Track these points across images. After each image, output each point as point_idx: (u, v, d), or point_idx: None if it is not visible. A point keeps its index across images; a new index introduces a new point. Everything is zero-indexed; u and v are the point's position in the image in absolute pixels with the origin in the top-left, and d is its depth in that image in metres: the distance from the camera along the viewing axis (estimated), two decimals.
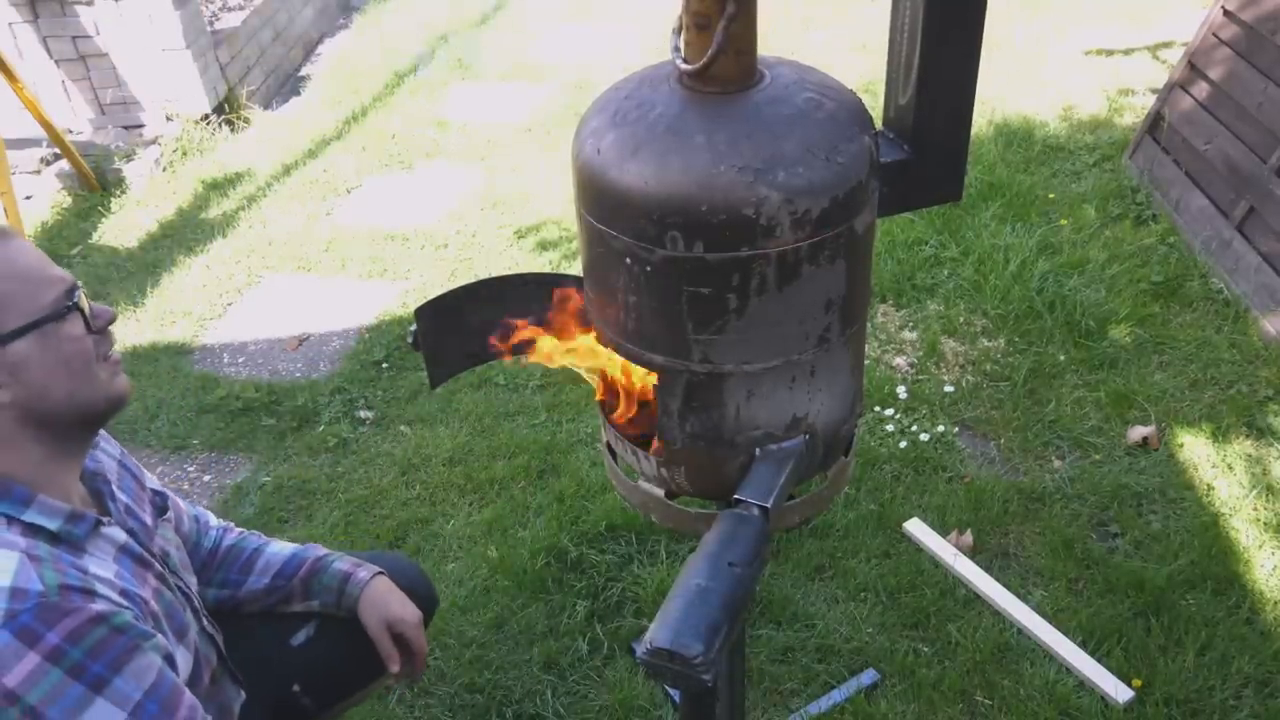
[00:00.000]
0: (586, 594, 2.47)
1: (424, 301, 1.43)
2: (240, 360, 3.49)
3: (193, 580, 1.59)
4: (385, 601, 1.69)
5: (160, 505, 1.57)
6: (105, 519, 1.36)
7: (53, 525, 1.27)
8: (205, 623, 1.51)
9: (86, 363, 1.30)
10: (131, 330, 3.64)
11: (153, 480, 1.62)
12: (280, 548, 1.76)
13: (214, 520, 1.77)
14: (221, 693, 1.55)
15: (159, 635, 1.28)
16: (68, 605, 1.20)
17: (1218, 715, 2.15)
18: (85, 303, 1.32)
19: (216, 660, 1.54)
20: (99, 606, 1.22)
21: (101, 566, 1.30)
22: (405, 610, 1.69)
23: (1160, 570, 2.43)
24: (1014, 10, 5.64)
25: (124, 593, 1.30)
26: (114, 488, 1.46)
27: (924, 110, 1.25)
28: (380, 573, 1.73)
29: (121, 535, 1.38)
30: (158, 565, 1.42)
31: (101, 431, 1.54)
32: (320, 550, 1.76)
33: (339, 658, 1.74)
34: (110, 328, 1.36)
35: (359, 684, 1.83)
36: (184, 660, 1.38)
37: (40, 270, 1.28)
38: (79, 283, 1.34)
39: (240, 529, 1.78)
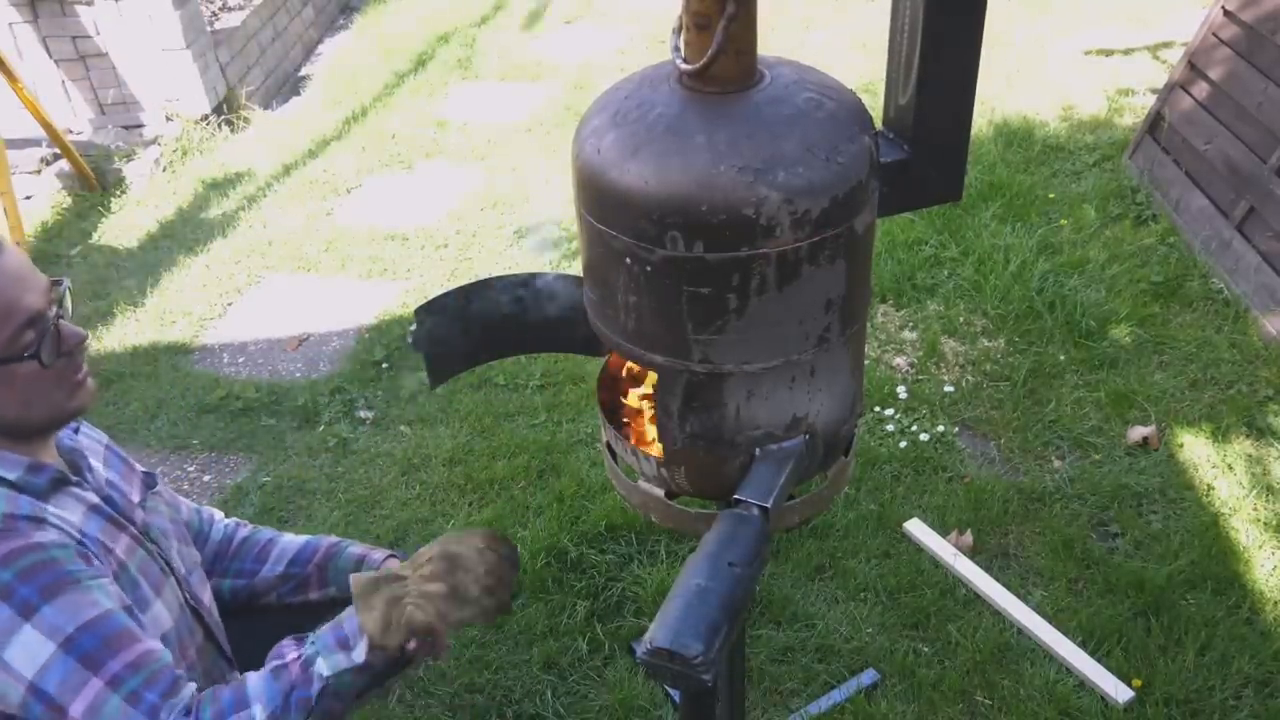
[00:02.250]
0: (586, 594, 2.47)
1: (424, 301, 1.43)
2: (240, 360, 3.49)
3: (191, 554, 1.61)
4: None
5: (150, 482, 1.60)
6: (76, 480, 1.40)
7: (11, 475, 1.31)
8: (189, 598, 1.52)
9: (40, 391, 1.33)
10: (131, 330, 3.64)
11: (141, 467, 1.65)
12: (293, 538, 1.79)
13: (220, 515, 1.79)
14: (214, 669, 1.57)
15: (108, 579, 1.31)
16: (8, 529, 1.24)
17: (1218, 715, 2.15)
18: (57, 327, 1.32)
19: (204, 639, 1.55)
20: (42, 536, 1.26)
21: (65, 511, 1.34)
22: None
23: (1160, 570, 2.43)
24: (1014, 10, 5.64)
25: (82, 533, 1.33)
26: (94, 462, 1.49)
27: (924, 110, 1.25)
28: (393, 554, 1.76)
29: (93, 498, 1.40)
30: (134, 529, 1.44)
31: (85, 424, 1.58)
32: (333, 538, 1.79)
33: None
34: (81, 346, 1.38)
35: (378, 679, 1.84)
36: (160, 614, 1.41)
37: (6, 304, 1.27)
38: (59, 301, 1.34)
39: (252, 524, 1.81)
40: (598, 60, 5.60)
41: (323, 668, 1.31)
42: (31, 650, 1.21)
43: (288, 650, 1.34)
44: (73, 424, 1.52)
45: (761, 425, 1.27)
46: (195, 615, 1.53)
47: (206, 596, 1.60)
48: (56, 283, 1.36)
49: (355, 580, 1.36)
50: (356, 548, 1.76)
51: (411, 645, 1.70)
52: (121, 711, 1.22)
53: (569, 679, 2.30)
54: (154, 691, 1.25)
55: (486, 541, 1.42)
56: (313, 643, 1.34)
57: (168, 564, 1.49)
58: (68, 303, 1.38)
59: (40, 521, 1.28)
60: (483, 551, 1.40)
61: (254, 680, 1.31)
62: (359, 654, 1.32)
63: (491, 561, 1.40)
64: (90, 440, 1.56)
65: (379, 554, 1.75)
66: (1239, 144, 3.50)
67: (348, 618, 1.34)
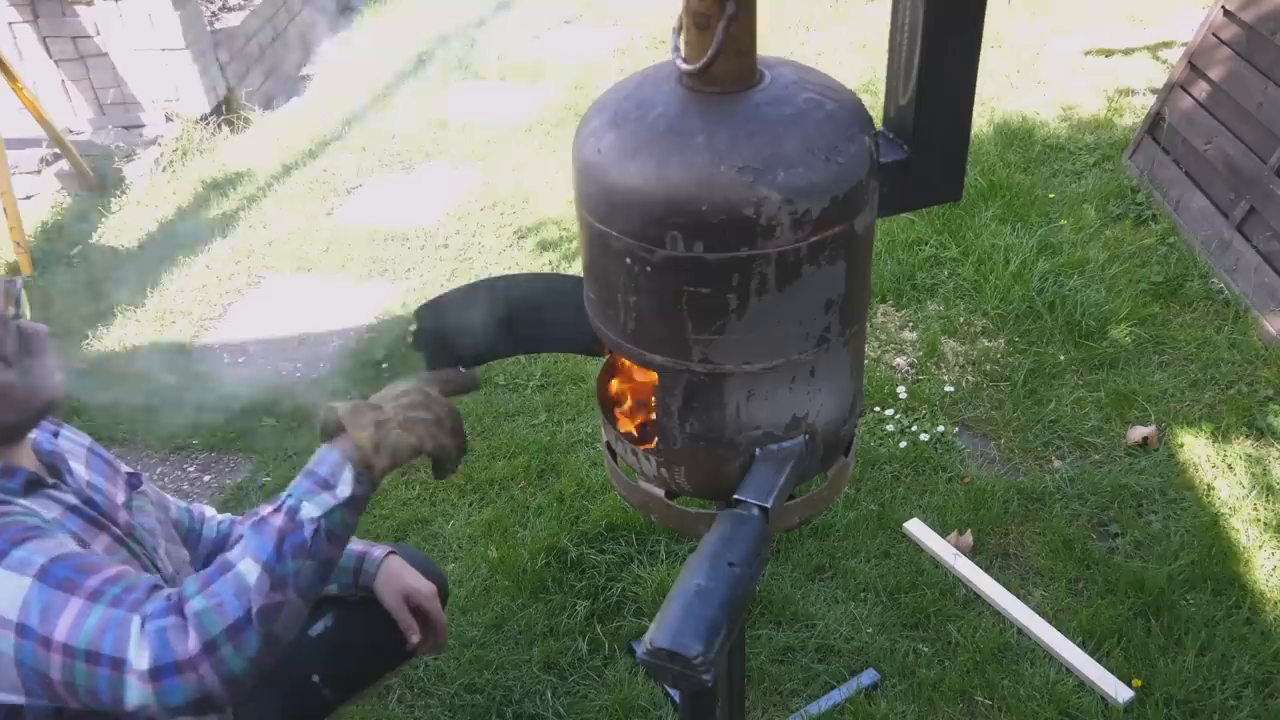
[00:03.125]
0: (586, 594, 2.47)
1: (424, 302, 1.43)
2: (240, 360, 3.49)
3: (180, 553, 1.60)
4: (400, 575, 1.73)
5: (134, 483, 1.59)
6: (54, 483, 1.38)
7: None
8: None
9: (8, 393, 1.31)
10: (131, 330, 3.64)
11: (126, 467, 1.64)
12: None
13: (213, 512, 1.79)
14: None
15: (66, 535, 1.29)
16: None
17: (1218, 715, 2.15)
18: (18, 327, 1.31)
19: None
20: (7, 509, 1.26)
21: (40, 509, 1.32)
22: (420, 582, 1.74)
23: (1160, 570, 2.43)
24: (1014, 10, 5.64)
25: (57, 524, 1.31)
26: (76, 465, 1.48)
27: (924, 110, 1.25)
28: (393, 551, 1.77)
29: (72, 499, 1.39)
30: (116, 529, 1.43)
31: (66, 427, 1.57)
32: None
33: (358, 647, 1.76)
34: (44, 343, 1.35)
35: (378, 672, 1.86)
36: None
37: None
38: (15, 301, 1.33)
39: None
40: (598, 60, 5.60)
41: (310, 510, 1.22)
42: (8, 590, 1.18)
43: (262, 509, 1.26)
44: (52, 427, 1.51)
45: (761, 425, 1.27)
46: None
47: None
48: (10, 283, 1.35)
49: (335, 409, 1.27)
50: (356, 545, 1.76)
51: (414, 640, 1.71)
52: (104, 616, 1.17)
53: (569, 679, 2.30)
54: (136, 593, 1.21)
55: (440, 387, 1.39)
56: (290, 494, 1.24)
57: (153, 564, 1.48)
58: (25, 303, 1.36)
59: (6, 503, 1.28)
60: (441, 394, 1.37)
61: (235, 549, 1.24)
62: (344, 489, 1.24)
63: (450, 404, 1.36)
64: (71, 443, 1.54)
65: (379, 550, 1.76)
66: (1239, 144, 3.50)
67: (319, 461, 1.25)
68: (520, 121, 5.03)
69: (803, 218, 1.13)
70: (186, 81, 4.82)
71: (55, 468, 1.44)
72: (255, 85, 5.31)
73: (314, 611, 1.74)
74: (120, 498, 1.52)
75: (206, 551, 1.73)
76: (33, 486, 1.35)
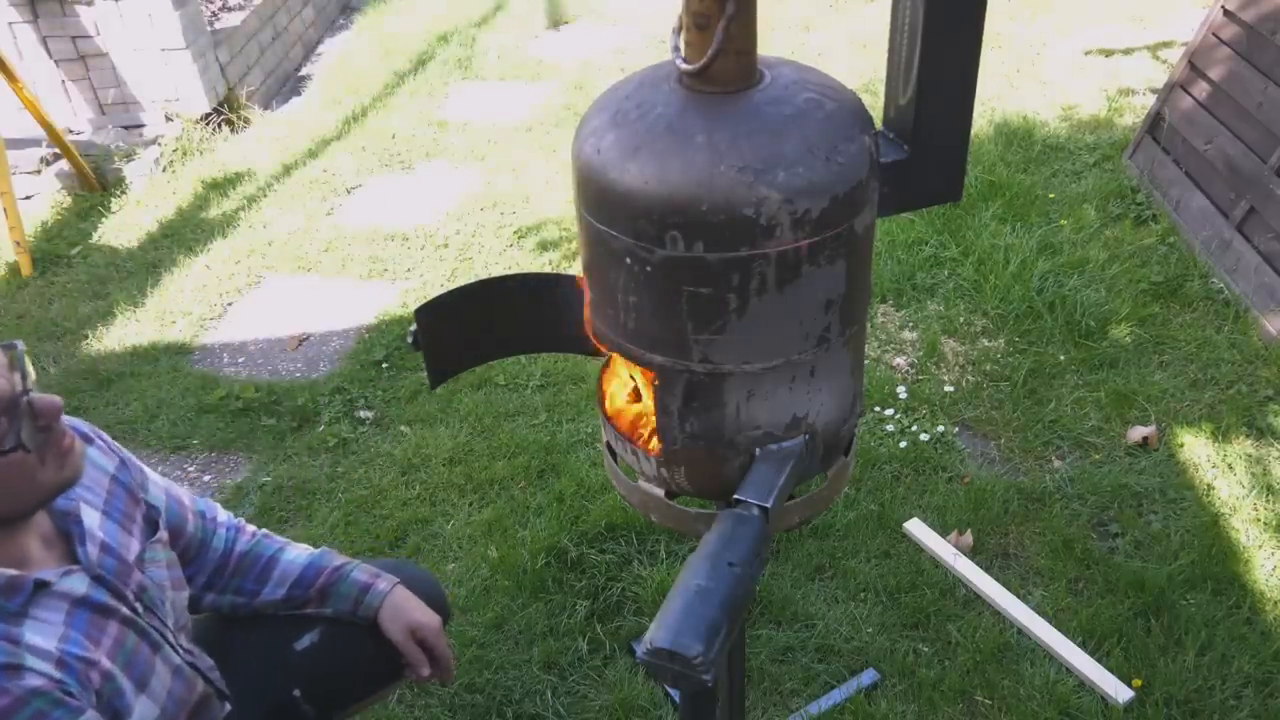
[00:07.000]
0: (586, 594, 2.47)
1: (424, 302, 1.43)
2: (240, 360, 3.49)
3: (183, 597, 1.55)
4: (407, 609, 1.70)
5: (153, 522, 1.52)
6: (60, 573, 1.31)
7: None
8: (181, 654, 1.47)
9: (26, 476, 1.23)
10: (131, 330, 3.64)
11: (155, 486, 1.57)
12: (296, 554, 1.72)
13: (223, 515, 1.72)
14: (206, 711, 1.53)
15: (91, 710, 1.24)
16: None
17: (1218, 715, 2.15)
18: (29, 403, 1.21)
19: (203, 683, 1.51)
20: (20, 687, 1.18)
21: (42, 633, 1.26)
22: (427, 617, 1.70)
23: (1160, 570, 2.43)
24: (1014, 10, 5.64)
25: (61, 662, 1.25)
26: (90, 516, 1.40)
27: (924, 110, 1.25)
28: (399, 583, 1.73)
29: (81, 588, 1.32)
30: (125, 610, 1.37)
31: (98, 441, 1.49)
32: (337, 558, 1.73)
33: (344, 665, 1.73)
34: (59, 416, 1.26)
35: (362, 693, 1.81)
36: (146, 710, 1.35)
37: None
38: (20, 370, 1.22)
39: (252, 529, 1.74)
40: (598, 60, 5.60)
41: None
42: None
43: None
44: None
45: (761, 425, 1.27)
46: (191, 668, 1.49)
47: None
48: (9, 347, 1.23)
49: None
50: (361, 574, 1.71)
51: (424, 673, 1.68)
52: None
53: (569, 679, 2.30)
54: None
55: None
56: None
57: (161, 634, 1.43)
58: (29, 368, 1.23)
59: (18, 670, 1.20)
60: None
61: None
62: None
63: None
64: (96, 471, 1.45)
65: (384, 583, 1.71)
66: (1239, 144, 3.50)
67: None
68: (520, 121, 5.03)
69: (803, 218, 1.13)
70: (186, 81, 4.81)
71: (67, 533, 1.36)
72: (255, 85, 5.31)
73: (302, 626, 1.71)
74: (134, 549, 1.45)
75: (211, 567, 1.67)
76: (38, 589, 1.27)
